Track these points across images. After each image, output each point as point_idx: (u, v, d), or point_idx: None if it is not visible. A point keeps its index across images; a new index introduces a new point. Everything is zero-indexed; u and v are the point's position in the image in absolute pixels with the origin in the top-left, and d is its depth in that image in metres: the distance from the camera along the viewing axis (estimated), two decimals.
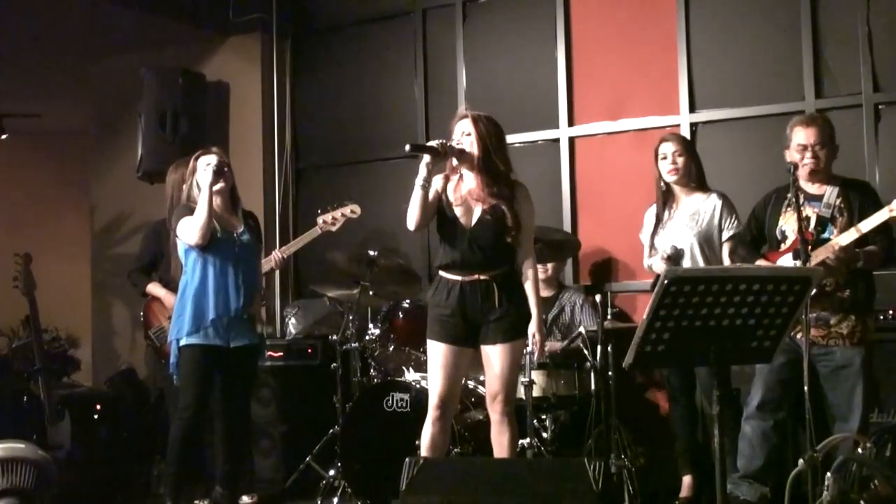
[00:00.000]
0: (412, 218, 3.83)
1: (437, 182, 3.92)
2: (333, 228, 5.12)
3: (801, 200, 3.96)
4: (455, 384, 3.90)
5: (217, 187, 4.29)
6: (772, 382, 4.05)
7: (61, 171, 7.03)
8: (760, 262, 4.14)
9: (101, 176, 6.88)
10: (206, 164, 4.35)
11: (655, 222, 4.57)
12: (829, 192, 4.01)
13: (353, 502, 4.65)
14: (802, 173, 4.03)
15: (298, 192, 6.55)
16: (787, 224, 4.06)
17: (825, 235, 3.94)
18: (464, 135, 3.87)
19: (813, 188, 4.04)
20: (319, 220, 5.11)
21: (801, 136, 4.03)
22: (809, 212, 3.99)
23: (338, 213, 5.12)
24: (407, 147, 3.81)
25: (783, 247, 4.05)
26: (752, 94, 5.27)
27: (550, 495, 3.20)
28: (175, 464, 4.34)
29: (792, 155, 4.05)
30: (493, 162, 3.87)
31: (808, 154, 4.00)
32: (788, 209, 4.07)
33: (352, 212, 5.15)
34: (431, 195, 3.87)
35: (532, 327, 3.89)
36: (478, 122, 3.88)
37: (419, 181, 3.79)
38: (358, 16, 6.40)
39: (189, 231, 4.27)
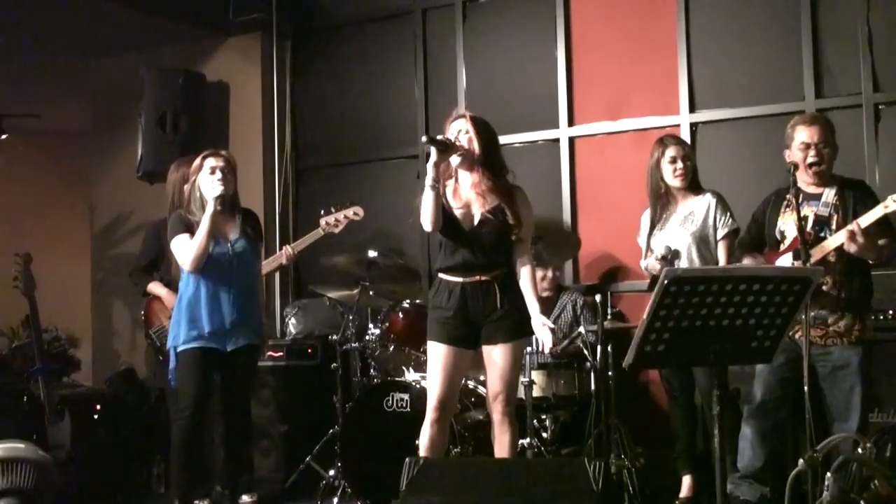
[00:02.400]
0: (427, 220, 3.79)
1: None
2: (336, 230, 5.07)
3: (800, 200, 3.96)
4: (454, 385, 3.90)
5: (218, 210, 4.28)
6: (771, 382, 4.05)
7: (61, 171, 7.02)
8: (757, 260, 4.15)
9: (101, 176, 6.88)
10: (210, 169, 4.32)
11: (651, 225, 4.57)
12: (828, 192, 4.02)
13: (353, 502, 4.65)
14: (805, 173, 4.03)
15: (298, 192, 6.55)
16: (786, 224, 4.06)
17: (823, 234, 3.94)
18: (461, 133, 3.87)
19: (811, 188, 4.04)
20: (322, 221, 5.07)
21: (804, 134, 4.02)
22: (808, 211, 3.99)
23: (340, 216, 5.07)
24: (423, 139, 3.79)
25: (782, 247, 4.05)
26: (752, 94, 5.27)
27: (550, 495, 3.20)
28: (180, 465, 4.33)
29: (793, 154, 4.04)
30: (492, 160, 3.88)
31: (812, 152, 3.99)
32: (787, 210, 4.07)
33: (355, 214, 5.10)
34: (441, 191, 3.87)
35: (536, 319, 3.84)
36: (475, 121, 3.89)
37: (429, 182, 3.76)
38: (358, 16, 6.40)
39: (183, 256, 4.27)
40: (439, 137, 3.81)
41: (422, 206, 3.79)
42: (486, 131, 3.91)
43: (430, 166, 3.77)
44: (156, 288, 5.03)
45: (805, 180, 4.04)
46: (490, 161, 3.88)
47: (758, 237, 4.22)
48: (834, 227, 3.94)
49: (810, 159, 3.99)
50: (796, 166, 3.94)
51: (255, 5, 6.33)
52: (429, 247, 5.86)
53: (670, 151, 4.48)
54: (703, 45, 5.39)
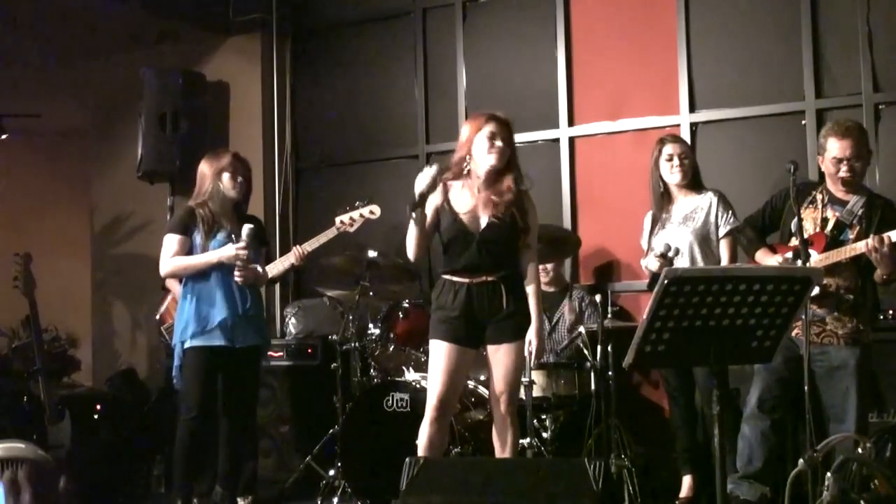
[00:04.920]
0: (412, 252, 3.87)
1: (434, 197, 3.89)
2: (351, 229, 4.95)
3: (826, 201, 4.01)
4: (456, 385, 3.90)
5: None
6: (769, 382, 4.05)
7: (61, 171, 7.02)
8: (762, 253, 4.15)
9: (101, 176, 6.88)
10: (233, 168, 4.42)
11: (652, 223, 4.58)
12: (855, 201, 4.00)
13: (353, 502, 4.65)
14: (834, 184, 4.02)
15: (298, 192, 6.54)
16: (806, 221, 4.03)
17: (842, 238, 3.94)
18: (495, 139, 3.84)
19: (839, 192, 4.04)
20: (337, 220, 4.97)
21: (836, 148, 3.97)
22: (830, 214, 4.00)
23: (356, 214, 4.95)
24: (409, 210, 3.77)
25: (793, 241, 4.04)
26: (752, 94, 5.27)
27: (550, 495, 3.20)
28: (183, 466, 4.33)
29: (826, 166, 4.03)
30: (517, 169, 3.92)
31: (844, 168, 3.97)
32: (810, 206, 4.07)
33: (371, 213, 4.98)
34: (429, 216, 3.89)
35: (530, 333, 3.88)
36: (508, 127, 3.90)
37: (415, 216, 3.78)
38: (358, 15, 6.40)
39: (164, 258, 4.36)
40: (424, 188, 3.73)
41: (407, 239, 3.85)
42: (513, 138, 3.93)
43: (418, 199, 3.75)
44: (172, 284, 5.03)
45: (833, 186, 4.03)
46: (516, 169, 3.90)
47: (771, 222, 4.21)
48: (853, 236, 3.93)
49: (842, 175, 3.97)
50: (796, 166, 3.93)
51: (255, 5, 6.33)
52: (429, 246, 5.85)
53: (667, 149, 4.50)
54: (703, 45, 5.38)
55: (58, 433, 4.96)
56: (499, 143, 3.84)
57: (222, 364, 4.34)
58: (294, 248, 4.94)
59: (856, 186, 4.04)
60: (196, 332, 4.26)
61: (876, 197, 4.07)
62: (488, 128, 3.86)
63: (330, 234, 4.96)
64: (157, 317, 5.22)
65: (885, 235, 3.77)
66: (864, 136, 4.05)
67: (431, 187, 3.75)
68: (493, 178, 3.88)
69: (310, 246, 4.92)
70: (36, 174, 6.84)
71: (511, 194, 3.85)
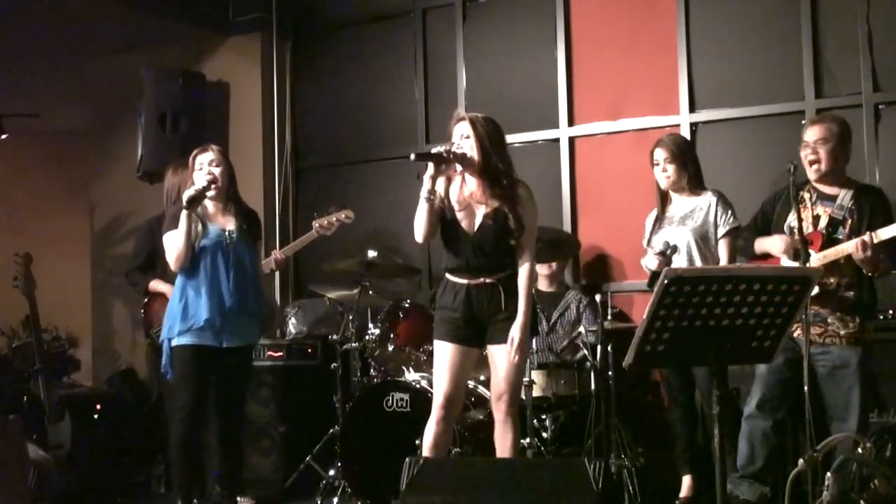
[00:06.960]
0: (419, 231, 3.83)
1: (439, 186, 3.89)
2: (328, 233, 5.09)
3: (814, 199, 3.98)
4: (460, 384, 3.91)
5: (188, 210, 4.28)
6: (771, 382, 4.05)
7: (61, 171, 7.03)
8: (760, 240, 4.15)
9: (101, 176, 6.88)
10: (199, 166, 4.37)
11: (654, 222, 4.58)
12: (843, 195, 4.01)
13: (353, 502, 4.65)
14: (809, 173, 4.03)
15: (298, 192, 6.54)
16: (796, 221, 4.04)
17: (836, 236, 3.94)
18: (463, 137, 3.86)
19: (827, 189, 4.04)
20: (315, 224, 5.09)
21: (806, 133, 4.04)
22: (821, 211, 4.01)
23: (332, 219, 5.09)
24: (412, 156, 3.80)
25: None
26: (752, 94, 5.27)
27: (550, 495, 3.20)
28: (181, 465, 4.33)
29: (802, 159, 4.05)
30: (494, 163, 3.86)
31: (808, 150, 4.01)
32: (800, 205, 4.07)
33: (346, 217, 5.11)
34: (436, 202, 3.87)
35: (513, 329, 3.82)
36: (476, 123, 3.86)
37: (424, 194, 3.78)
38: (358, 16, 6.40)
39: (168, 253, 4.32)
40: (434, 151, 3.81)
41: (416, 217, 3.82)
42: (489, 132, 3.86)
43: (426, 178, 3.77)
44: (158, 285, 4.95)
45: (813, 179, 4.04)
46: (492, 164, 3.85)
47: (763, 228, 4.22)
48: (847, 230, 3.94)
49: (808, 157, 4.01)
50: (796, 166, 3.93)
51: (255, 5, 6.34)
52: (429, 246, 5.86)
53: (655, 154, 4.53)
54: (703, 45, 5.38)
55: (58, 433, 4.97)
56: (467, 139, 3.84)
57: (212, 362, 4.33)
58: (273, 253, 5.01)
59: (841, 179, 4.04)
60: (182, 329, 4.26)
61: (863, 188, 4.07)
62: (457, 129, 3.89)
63: (309, 237, 5.11)
64: (142, 318, 5.19)
65: (862, 240, 3.78)
66: (835, 126, 4.04)
67: (445, 154, 3.78)
68: (473, 176, 3.87)
69: (290, 251, 5.12)
70: (36, 174, 6.85)
71: (490, 190, 3.83)
